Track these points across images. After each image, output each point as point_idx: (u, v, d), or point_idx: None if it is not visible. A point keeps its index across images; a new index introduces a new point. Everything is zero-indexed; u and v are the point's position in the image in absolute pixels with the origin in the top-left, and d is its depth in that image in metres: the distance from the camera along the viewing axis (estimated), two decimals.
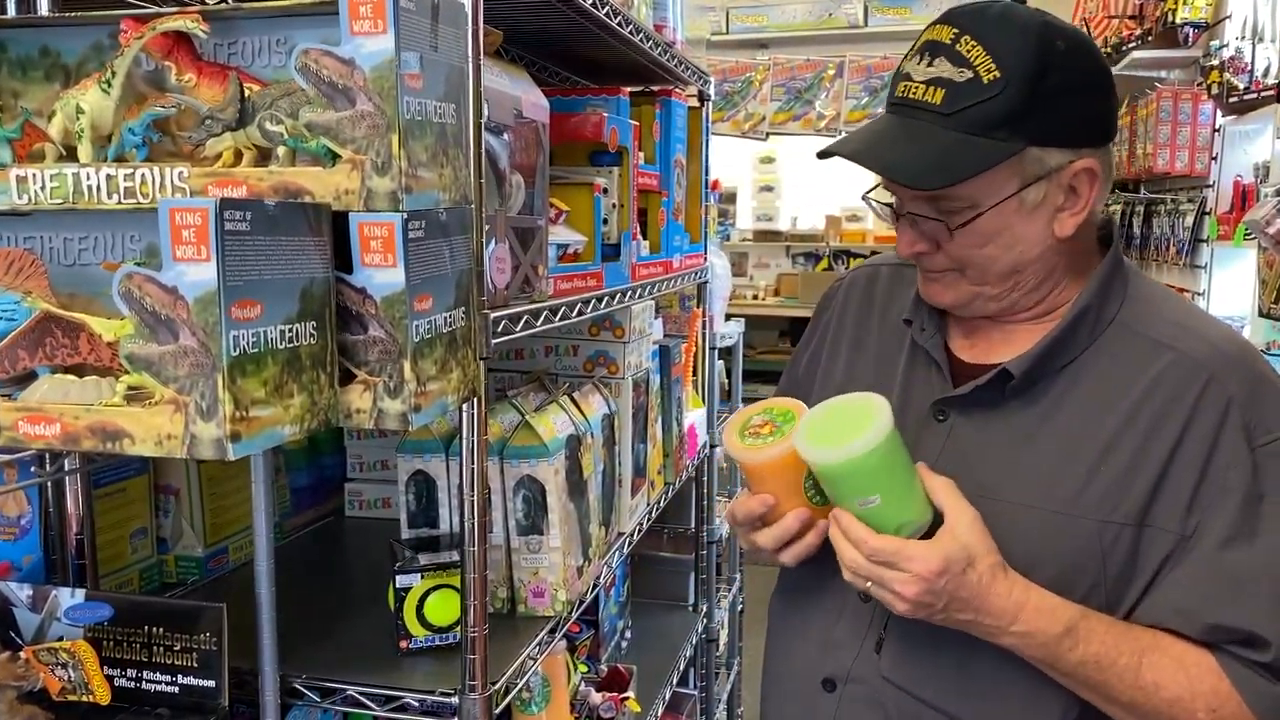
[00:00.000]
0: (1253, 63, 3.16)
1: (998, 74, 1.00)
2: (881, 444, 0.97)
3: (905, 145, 1.02)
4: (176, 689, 1.16)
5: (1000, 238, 1.05)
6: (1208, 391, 1.02)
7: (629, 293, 1.74)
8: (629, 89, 1.91)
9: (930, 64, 1.03)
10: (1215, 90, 3.41)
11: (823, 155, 1.11)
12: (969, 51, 1.01)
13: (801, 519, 1.08)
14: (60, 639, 1.16)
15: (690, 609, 2.59)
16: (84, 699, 1.13)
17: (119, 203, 1.03)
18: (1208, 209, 3.66)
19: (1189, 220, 3.73)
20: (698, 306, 2.50)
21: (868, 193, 1.15)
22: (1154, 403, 1.03)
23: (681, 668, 2.35)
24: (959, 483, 1.03)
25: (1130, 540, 1.02)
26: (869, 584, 1.01)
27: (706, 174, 2.38)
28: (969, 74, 1.00)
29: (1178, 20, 3.65)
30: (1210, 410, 1.01)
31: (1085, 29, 4.80)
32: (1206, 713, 0.99)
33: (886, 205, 1.11)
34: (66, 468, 1.32)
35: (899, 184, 1.07)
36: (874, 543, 0.98)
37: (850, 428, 0.99)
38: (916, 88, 1.03)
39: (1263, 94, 3.01)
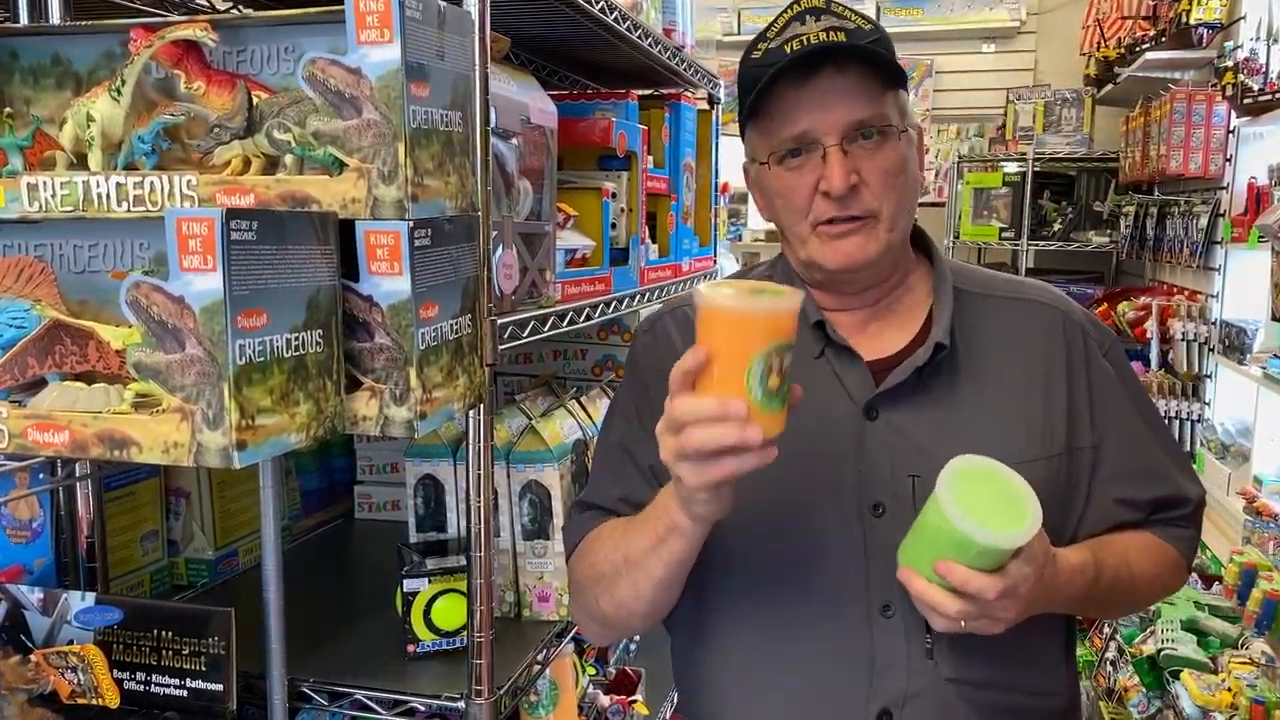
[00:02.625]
0: (1268, 64, 3.13)
1: (871, 27, 1.14)
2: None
3: (845, 53, 1.10)
4: (185, 692, 1.16)
5: (906, 168, 1.14)
6: (1068, 326, 1.20)
7: (637, 297, 1.74)
8: (638, 93, 1.92)
9: (818, 20, 1.13)
10: (1229, 91, 3.38)
11: (790, 65, 1.10)
12: (843, 12, 1.15)
13: (741, 410, 0.91)
14: (70, 642, 1.17)
15: None
16: (93, 702, 1.14)
17: (128, 211, 1.04)
18: (1221, 211, 3.63)
19: (1203, 222, 3.70)
20: None
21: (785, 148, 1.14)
22: (1039, 346, 1.18)
23: None
24: (922, 471, 1.07)
25: (1066, 466, 1.16)
26: (963, 625, 0.99)
27: (716, 177, 2.38)
28: (854, 24, 1.13)
29: (1192, 21, 3.62)
30: (1076, 340, 1.20)
31: (1099, 30, 4.78)
32: (1169, 575, 1.22)
33: (808, 142, 1.12)
34: (77, 473, 1.33)
35: (864, 80, 1.11)
36: (1001, 585, 0.96)
37: (1003, 504, 0.97)
38: (814, 35, 1.12)
39: (1277, 95, 2.98)
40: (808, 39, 1.12)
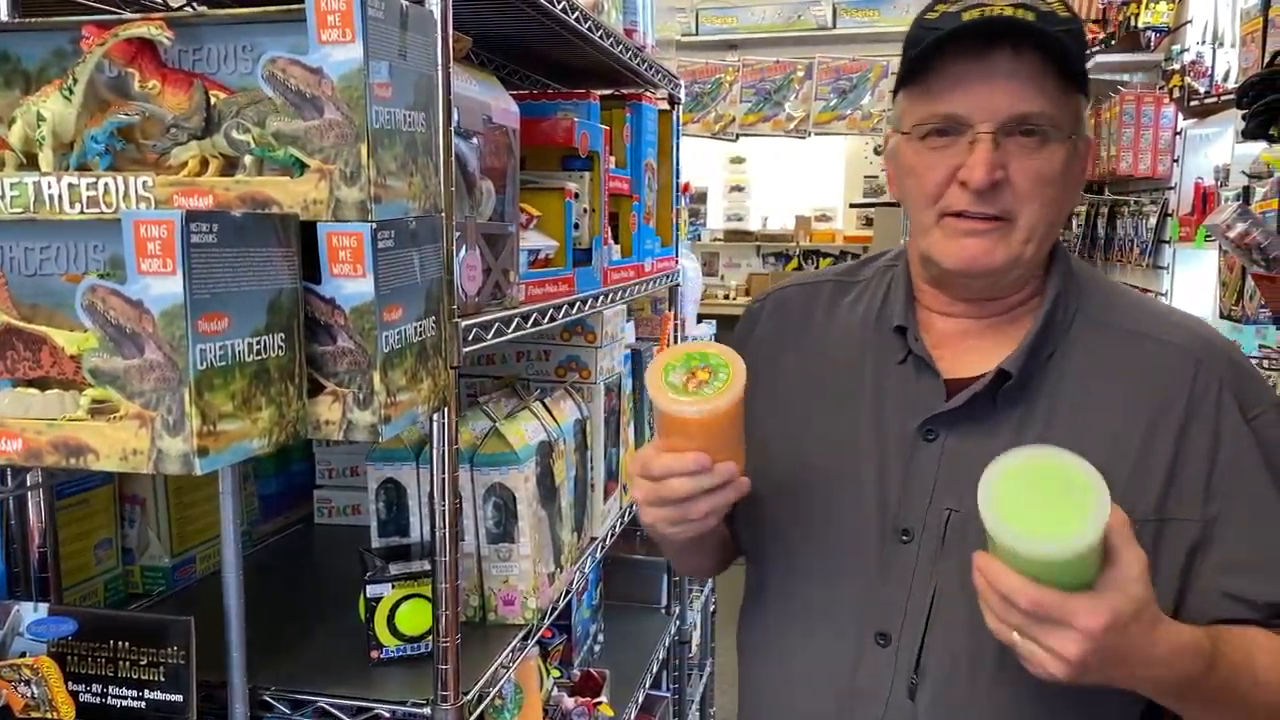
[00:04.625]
0: (1213, 67, 3.21)
1: (1068, 14, 1.00)
2: (1100, 530, 0.80)
3: (1022, 34, 0.98)
4: (143, 704, 1.14)
5: (1062, 178, 1.02)
6: (1199, 377, 1.02)
7: (601, 297, 1.73)
8: (599, 93, 1.91)
9: None
10: (1177, 94, 3.46)
11: (959, 33, 0.99)
12: None
13: (733, 472, 0.98)
14: (23, 655, 1.14)
15: (663, 611, 2.60)
16: (48, 716, 1.12)
17: (81, 213, 1.01)
18: (1170, 211, 3.71)
19: (1152, 222, 3.78)
20: (669, 309, 2.51)
21: (925, 123, 1.05)
22: (1151, 394, 1.03)
23: (654, 670, 2.35)
24: (962, 506, 1.01)
25: (1151, 536, 0.99)
26: (1016, 637, 0.86)
27: (677, 177, 2.38)
28: (1050, 5, 1.00)
29: (1140, 24, 3.70)
30: (1207, 395, 1.02)
31: None
32: None
33: (958, 124, 1.02)
34: (29, 482, 1.29)
35: (1044, 63, 0.98)
36: (1033, 594, 0.82)
37: (1057, 503, 0.82)
38: (1001, 8, 0.99)
39: (1222, 98, 3.05)
40: (991, 9, 0.98)
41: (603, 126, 1.80)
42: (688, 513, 1.00)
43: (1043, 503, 0.82)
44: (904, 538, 1.06)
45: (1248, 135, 1.95)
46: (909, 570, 1.05)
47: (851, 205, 7.51)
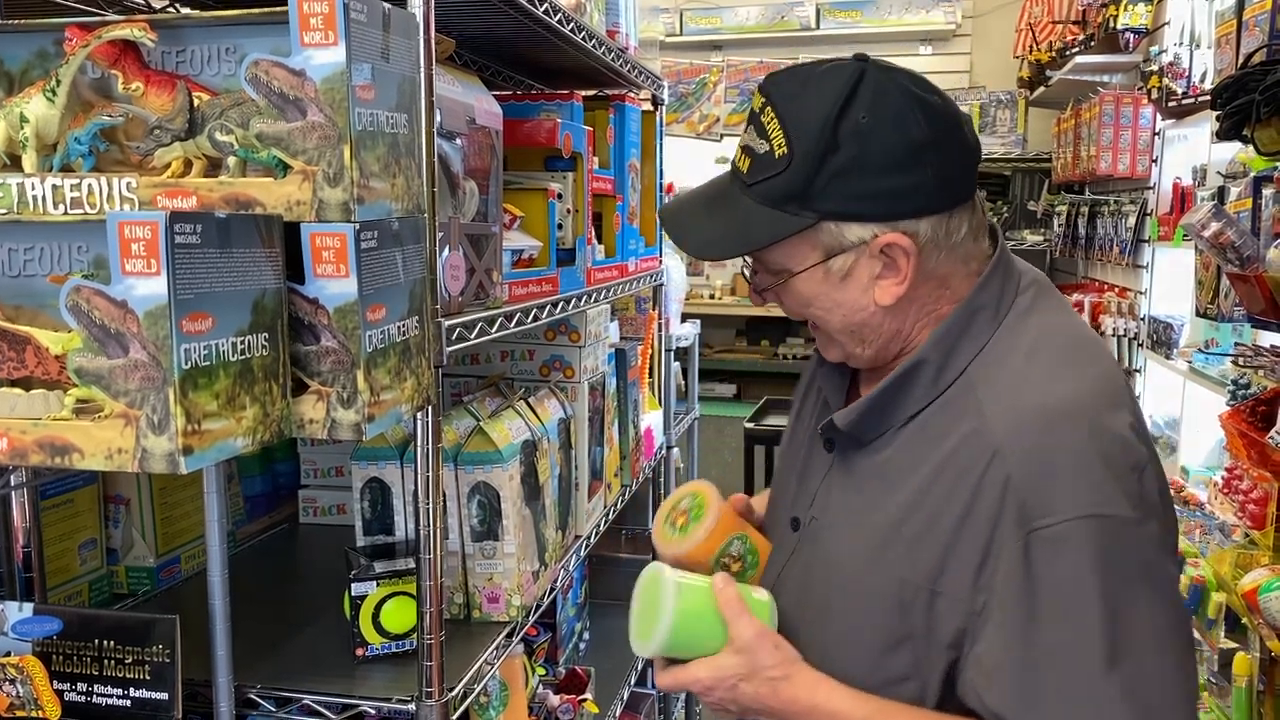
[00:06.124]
0: (1190, 68, 3.24)
1: (785, 150, 0.99)
2: (673, 628, 1.07)
3: (714, 211, 1.08)
4: (129, 702, 1.15)
5: (818, 301, 1.07)
6: (990, 469, 0.97)
7: (584, 297, 1.75)
8: (583, 93, 1.93)
9: (746, 130, 1.05)
10: (1155, 95, 3.49)
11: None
12: (768, 123, 1.01)
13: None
14: (8, 654, 1.14)
15: None
16: (33, 715, 1.12)
17: (65, 214, 1.02)
18: (1149, 210, 3.74)
19: (1131, 221, 3.81)
20: (653, 309, 2.52)
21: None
22: (948, 473, 1.01)
23: (639, 668, 2.36)
24: (824, 512, 1.15)
25: (925, 602, 1.00)
26: None
27: (661, 177, 2.39)
28: (766, 146, 1.01)
29: (1119, 26, 3.73)
30: (991, 489, 0.97)
31: (1031, 34, 4.90)
32: None
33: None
34: (13, 482, 1.30)
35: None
36: (663, 680, 1.12)
37: (650, 612, 1.10)
38: (738, 151, 1.07)
39: (1200, 99, 3.08)
40: (735, 154, 1.08)
41: (586, 127, 1.81)
42: None
43: (646, 612, 1.11)
44: (794, 525, 1.20)
45: (1222, 136, 1.98)
46: (787, 555, 1.19)
47: None
